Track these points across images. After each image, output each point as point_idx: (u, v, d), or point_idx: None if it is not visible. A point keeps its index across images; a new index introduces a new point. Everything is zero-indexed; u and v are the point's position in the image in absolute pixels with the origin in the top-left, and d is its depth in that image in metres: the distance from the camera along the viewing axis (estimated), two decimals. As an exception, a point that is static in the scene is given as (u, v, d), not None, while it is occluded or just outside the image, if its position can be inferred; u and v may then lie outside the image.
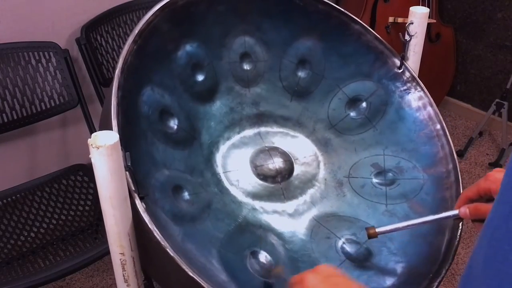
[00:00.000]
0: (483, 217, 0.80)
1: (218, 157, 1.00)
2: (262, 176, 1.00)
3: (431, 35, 2.50)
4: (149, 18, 0.87)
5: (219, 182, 0.97)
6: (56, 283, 1.78)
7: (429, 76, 2.23)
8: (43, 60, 1.58)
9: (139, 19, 0.87)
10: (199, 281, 0.68)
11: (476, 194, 0.81)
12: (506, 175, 0.44)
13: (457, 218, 0.83)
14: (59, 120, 1.78)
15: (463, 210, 0.82)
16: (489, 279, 0.48)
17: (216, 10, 0.99)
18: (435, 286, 0.83)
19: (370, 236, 0.84)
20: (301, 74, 1.09)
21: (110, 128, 0.74)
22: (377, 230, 0.84)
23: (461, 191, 0.94)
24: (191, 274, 0.68)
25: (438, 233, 0.91)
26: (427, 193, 0.97)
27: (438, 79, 2.62)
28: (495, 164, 2.41)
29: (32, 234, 1.49)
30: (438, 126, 1.02)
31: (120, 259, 0.75)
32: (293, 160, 1.04)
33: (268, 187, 1.00)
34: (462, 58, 2.66)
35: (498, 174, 0.80)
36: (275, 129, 1.08)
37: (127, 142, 0.74)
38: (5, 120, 1.53)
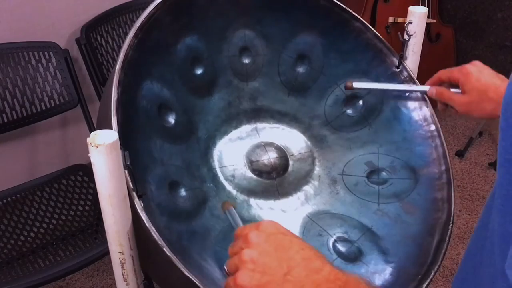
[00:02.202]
0: (444, 101, 0.99)
1: (215, 152, 1.00)
2: (258, 171, 1.00)
3: (431, 35, 2.50)
4: (150, 11, 0.87)
5: (215, 177, 0.97)
6: (56, 283, 1.79)
7: (429, 76, 2.23)
8: (43, 60, 1.58)
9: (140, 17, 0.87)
10: (194, 280, 0.68)
11: (447, 78, 0.95)
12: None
13: (424, 94, 1.00)
14: (59, 120, 1.79)
15: (431, 91, 0.98)
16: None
17: (217, 3, 0.99)
18: (424, 287, 0.84)
19: (346, 87, 1.00)
20: (300, 69, 1.09)
21: (109, 125, 0.73)
22: (354, 84, 1.00)
23: (453, 193, 0.94)
24: (186, 273, 0.68)
25: (428, 234, 0.91)
26: (419, 194, 0.97)
27: (438, 79, 2.62)
28: (495, 164, 2.41)
29: (32, 234, 1.49)
30: (433, 127, 1.02)
31: (120, 258, 0.75)
32: (288, 156, 1.04)
33: (263, 183, 1.00)
34: (462, 58, 2.66)
35: (472, 67, 0.94)
36: (272, 124, 1.08)
37: (126, 138, 0.74)
38: (5, 120, 1.54)
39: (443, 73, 0.97)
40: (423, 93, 0.99)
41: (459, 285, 0.66)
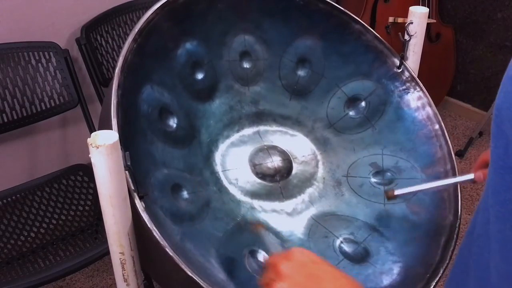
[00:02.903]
0: None
1: (217, 156, 1.00)
2: (261, 174, 1.00)
3: (431, 35, 2.50)
4: (149, 17, 0.87)
5: (218, 180, 0.97)
6: (56, 283, 1.78)
7: (429, 76, 2.23)
8: (43, 60, 1.58)
9: (139, 19, 0.87)
10: (198, 281, 0.68)
11: None
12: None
13: (473, 182, 0.83)
14: (59, 120, 1.78)
15: (478, 174, 0.80)
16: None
17: (216, 9, 0.99)
18: (432, 287, 0.84)
19: (389, 197, 0.86)
20: (301, 73, 1.09)
21: (110, 127, 0.74)
22: (396, 192, 0.86)
23: (459, 191, 0.94)
24: (189, 274, 0.68)
25: (436, 233, 0.91)
26: (425, 194, 0.97)
27: (438, 79, 2.62)
28: (495, 164, 2.41)
29: (32, 234, 1.49)
30: (437, 126, 1.02)
31: (120, 259, 0.75)
32: (291, 159, 1.04)
33: (266, 186, 1.00)
34: (462, 58, 2.66)
35: None
36: (274, 127, 1.08)
37: (127, 141, 0.74)
38: (5, 120, 1.53)
39: (486, 154, 0.83)
40: (470, 181, 0.84)
41: (453, 278, 0.66)
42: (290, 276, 0.57)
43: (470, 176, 0.82)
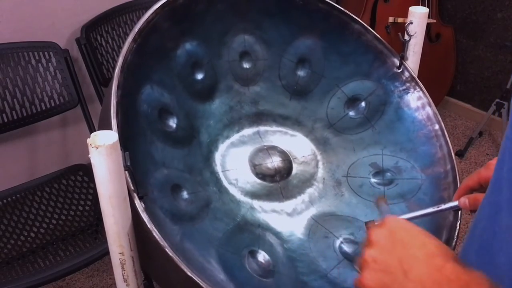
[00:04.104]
0: None
1: (217, 156, 1.00)
2: (261, 175, 1.00)
3: (431, 35, 2.50)
4: (149, 17, 0.87)
5: (217, 181, 0.97)
6: (56, 283, 1.78)
7: (429, 76, 2.23)
8: (43, 60, 1.58)
9: (139, 19, 0.87)
10: (198, 281, 0.68)
11: (476, 183, 0.78)
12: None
13: (456, 210, 0.81)
14: (59, 120, 1.78)
15: (463, 201, 0.79)
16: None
17: (216, 9, 0.99)
18: None
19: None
20: (301, 73, 1.09)
21: (110, 128, 0.74)
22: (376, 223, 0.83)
23: None
24: (189, 274, 0.68)
25: (436, 233, 0.91)
26: (425, 194, 0.97)
27: (438, 79, 2.62)
28: (495, 164, 2.41)
29: (32, 234, 1.49)
30: (437, 127, 1.02)
31: (120, 259, 0.75)
32: (291, 159, 1.04)
33: (266, 186, 1.00)
34: (462, 58, 2.66)
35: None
36: (274, 128, 1.08)
37: (126, 141, 0.74)
38: (5, 120, 1.53)
39: (469, 180, 0.80)
40: (454, 208, 0.82)
41: None
42: (379, 242, 0.57)
43: (455, 203, 0.80)
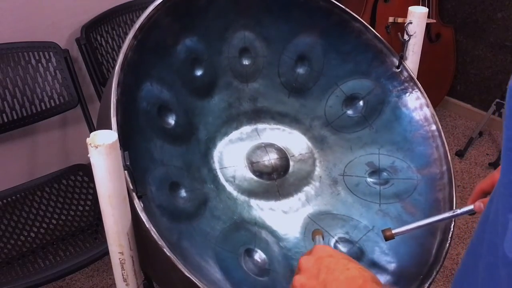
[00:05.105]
0: None
1: (215, 153, 1.00)
2: (258, 172, 1.00)
3: (431, 35, 2.50)
4: (150, 13, 0.87)
5: (215, 178, 0.98)
6: (56, 283, 1.78)
7: (429, 76, 2.23)
8: (43, 60, 1.58)
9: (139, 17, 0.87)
10: (194, 281, 0.68)
11: (490, 186, 0.79)
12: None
13: (472, 214, 0.81)
14: (59, 120, 1.78)
15: (478, 204, 0.79)
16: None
17: (216, 5, 0.99)
18: (425, 287, 0.84)
19: (387, 238, 0.84)
20: (300, 70, 1.09)
21: (109, 126, 0.74)
22: (394, 231, 0.84)
23: (454, 193, 0.94)
24: (186, 274, 0.68)
25: (430, 234, 0.91)
26: (420, 194, 0.98)
27: (438, 79, 2.62)
28: (495, 164, 2.41)
29: (32, 234, 1.49)
30: (434, 127, 1.02)
31: (119, 259, 0.75)
32: (289, 157, 1.04)
33: (263, 184, 1.00)
34: (462, 58, 2.66)
35: None
36: (272, 125, 1.08)
37: (126, 140, 0.74)
38: (5, 120, 1.53)
39: (483, 184, 0.81)
40: (470, 213, 0.81)
41: (459, 278, 0.66)
42: (307, 269, 0.63)
43: (470, 207, 0.80)
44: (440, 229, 0.91)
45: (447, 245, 0.88)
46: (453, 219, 0.90)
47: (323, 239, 0.80)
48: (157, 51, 0.91)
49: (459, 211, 0.83)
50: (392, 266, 0.91)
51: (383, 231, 0.84)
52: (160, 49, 0.92)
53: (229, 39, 1.03)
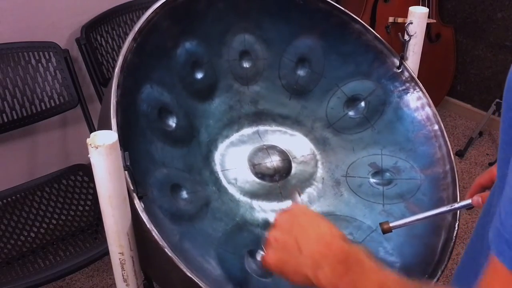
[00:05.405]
0: None
1: (217, 156, 1.00)
2: (260, 174, 1.00)
3: (431, 35, 2.50)
4: (149, 16, 0.87)
5: (217, 180, 0.97)
6: (56, 283, 1.78)
7: (429, 76, 2.23)
8: (43, 60, 1.58)
9: (139, 19, 0.87)
10: (197, 281, 0.68)
11: (489, 181, 0.79)
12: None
13: (469, 208, 0.81)
14: (59, 120, 1.78)
15: (476, 199, 0.80)
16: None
17: (216, 8, 0.99)
18: None
19: (384, 231, 0.84)
20: (300, 72, 1.09)
21: (109, 127, 0.74)
22: (391, 224, 0.84)
23: (458, 192, 0.94)
24: (188, 274, 0.68)
25: (434, 234, 0.91)
26: (424, 194, 0.97)
27: (438, 79, 2.62)
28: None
29: (32, 234, 1.49)
30: (436, 127, 1.02)
31: (119, 259, 0.75)
32: (291, 159, 1.04)
33: (266, 185, 1.00)
34: (462, 58, 2.66)
35: None
36: (274, 127, 1.08)
37: (126, 141, 0.74)
38: (5, 120, 1.53)
39: (481, 178, 0.82)
40: (468, 207, 0.81)
41: (459, 275, 0.66)
42: (281, 225, 0.66)
43: (468, 201, 0.80)
44: (444, 228, 0.91)
45: (452, 244, 0.88)
46: (457, 220, 0.90)
47: (300, 197, 0.81)
48: (157, 54, 0.91)
49: (457, 205, 0.83)
50: (396, 266, 0.91)
51: (380, 224, 0.85)
52: (160, 52, 0.92)
53: (229, 42, 1.04)
